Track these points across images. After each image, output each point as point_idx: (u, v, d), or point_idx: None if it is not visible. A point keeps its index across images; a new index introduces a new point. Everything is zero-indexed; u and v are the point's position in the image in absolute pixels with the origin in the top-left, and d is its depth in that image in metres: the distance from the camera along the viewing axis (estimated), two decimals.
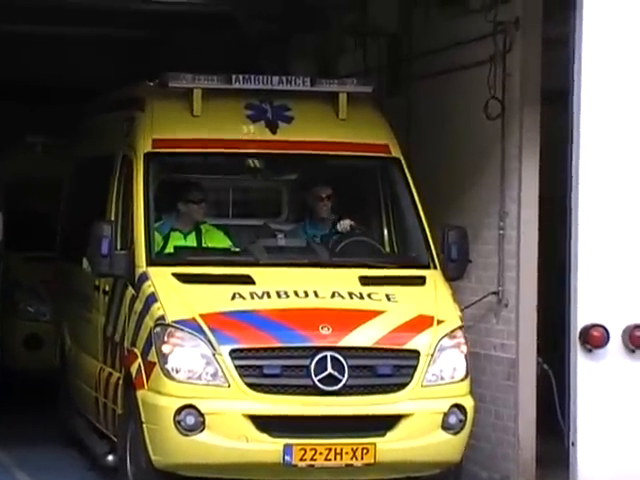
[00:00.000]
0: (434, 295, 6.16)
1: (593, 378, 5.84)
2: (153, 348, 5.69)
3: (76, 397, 7.89)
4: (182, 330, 5.62)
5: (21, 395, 9.21)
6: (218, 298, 5.84)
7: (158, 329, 5.69)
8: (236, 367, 5.48)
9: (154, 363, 5.65)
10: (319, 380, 5.50)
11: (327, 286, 6.03)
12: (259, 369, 5.53)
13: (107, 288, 6.80)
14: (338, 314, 5.86)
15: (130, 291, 6.24)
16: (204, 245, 6.52)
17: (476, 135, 7.14)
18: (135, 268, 6.12)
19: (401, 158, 6.74)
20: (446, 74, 7.46)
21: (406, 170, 6.71)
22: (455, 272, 6.34)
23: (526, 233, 6.75)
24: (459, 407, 5.81)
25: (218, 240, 6.56)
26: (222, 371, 5.49)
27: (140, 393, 5.75)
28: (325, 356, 5.53)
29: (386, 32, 8.32)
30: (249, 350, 5.57)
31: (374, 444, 5.54)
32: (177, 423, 5.43)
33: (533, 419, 6.79)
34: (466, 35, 7.12)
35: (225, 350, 5.50)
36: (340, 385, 5.53)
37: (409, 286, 6.23)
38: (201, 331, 5.58)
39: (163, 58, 10.55)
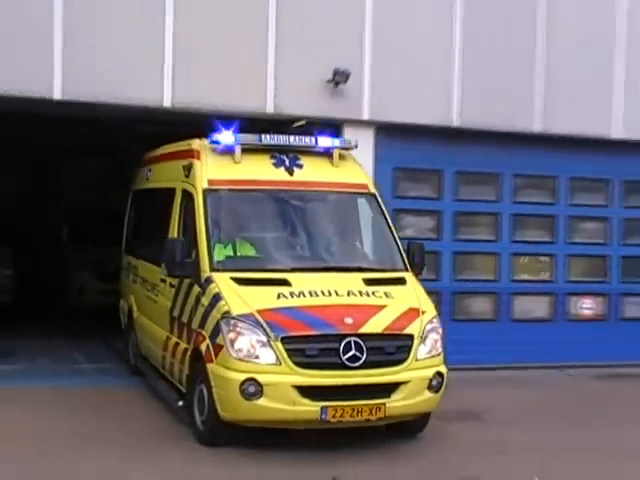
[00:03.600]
0: (415, 292, 8.31)
1: None
2: (220, 335, 7.55)
3: (143, 348, 10.39)
4: (244, 322, 7.48)
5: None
6: (267, 297, 7.71)
7: (225, 321, 7.55)
8: (286, 350, 7.36)
9: (221, 346, 7.51)
10: (345, 359, 7.43)
11: (342, 286, 7.98)
12: (302, 351, 7.42)
13: (173, 283, 8.80)
14: (355, 308, 7.81)
15: (196, 289, 8.14)
16: (238, 254, 8.40)
17: None
18: (201, 272, 8.04)
19: (376, 194, 9.10)
20: None
21: (381, 202, 9.06)
22: (417, 272, 8.63)
23: None
24: (439, 374, 7.96)
25: (247, 250, 8.46)
26: (275, 353, 7.37)
27: (210, 366, 7.63)
28: (350, 341, 7.47)
29: None
30: (295, 337, 7.44)
31: (384, 404, 7.55)
32: (242, 391, 7.31)
33: None
34: None
35: (278, 337, 7.37)
36: (360, 362, 7.46)
37: (397, 285, 8.30)
38: (258, 323, 7.46)
39: None
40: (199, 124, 9.11)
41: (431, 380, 7.85)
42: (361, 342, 7.46)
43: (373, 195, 9.08)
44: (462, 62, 11.61)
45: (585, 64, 12.14)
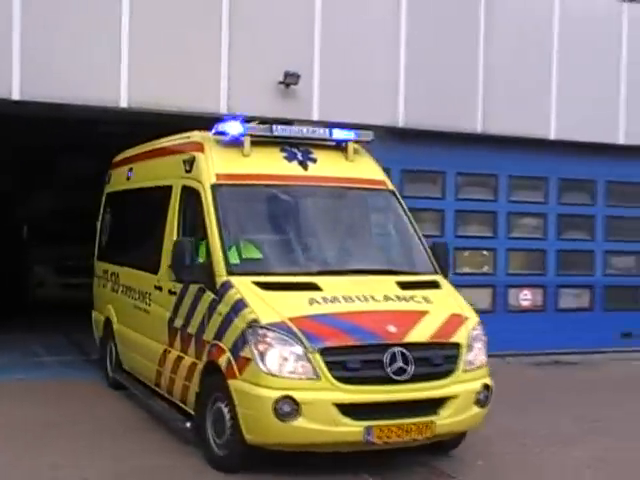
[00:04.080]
0: (453, 296, 7.54)
1: None
2: (247, 346, 6.58)
3: (126, 361, 9.48)
4: (275, 332, 6.55)
5: None
6: (298, 303, 6.81)
7: (252, 331, 6.59)
8: (325, 363, 6.44)
9: (248, 359, 6.55)
10: (391, 371, 6.56)
11: (377, 291, 7.14)
12: (343, 364, 6.50)
13: (174, 290, 7.85)
14: (397, 315, 6.96)
15: (209, 296, 7.19)
16: (255, 255, 7.44)
17: None
18: (215, 277, 7.09)
19: (395, 191, 8.38)
20: None
21: (401, 199, 8.33)
22: (445, 275, 7.89)
23: None
24: (486, 386, 7.12)
25: (264, 251, 7.51)
26: (313, 367, 6.44)
27: (233, 382, 6.66)
28: (395, 351, 6.61)
29: None
30: (335, 348, 6.54)
31: (433, 421, 6.70)
32: (275, 410, 6.35)
33: None
34: None
35: (316, 349, 6.46)
36: (407, 375, 6.60)
37: (432, 289, 7.48)
38: (292, 333, 6.53)
39: None
40: (166, 124, 9.22)
41: (478, 393, 7.03)
42: (407, 352, 6.62)
43: (392, 192, 8.36)
44: (407, 64, 12.05)
45: (524, 66, 12.71)
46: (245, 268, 7.20)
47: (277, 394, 6.38)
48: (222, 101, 10.98)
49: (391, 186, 8.41)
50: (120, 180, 10.44)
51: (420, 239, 8.13)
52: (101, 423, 8.35)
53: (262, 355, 6.50)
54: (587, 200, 13.86)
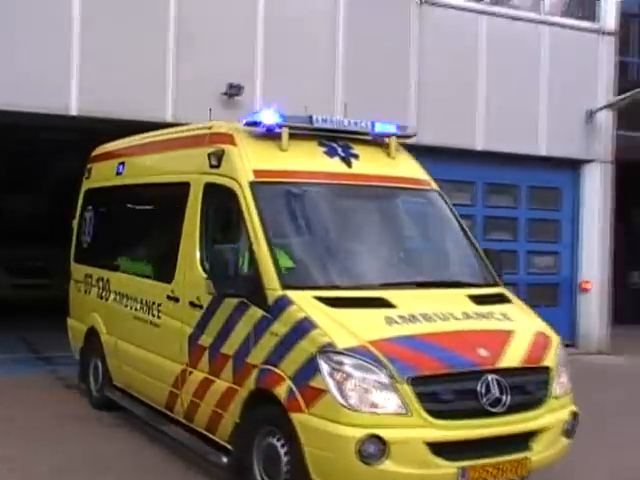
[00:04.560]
0: (526, 311, 6.70)
1: None
2: (319, 375, 5.54)
3: (120, 378, 8.48)
4: (356, 358, 5.52)
5: None
6: (374, 323, 5.81)
7: (325, 357, 5.55)
8: (416, 395, 5.46)
9: (321, 390, 5.52)
10: (487, 402, 5.64)
11: (453, 307, 6.20)
12: (436, 395, 5.55)
13: (197, 302, 6.78)
14: (483, 336, 6.05)
15: (255, 311, 6.13)
16: (295, 266, 6.37)
17: None
18: (265, 290, 6.04)
19: (441, 191, 7.50)
20: None
21: (449, 201, 7.48)
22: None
23: None
24: (574, 414, 6.29)
25: (304, 261, 6.51)
26: (402, 399, 5.45)
27: (298, 417, 5.63)
28: (489, 379, 5.68)
29: None
30: (427, 377, 5.55)
31: (528, 458, 5.84)
32: (358, 452, 5.35)
33: None
34: None
35: (405, 378, 5.47)
36: (503, 406, 5.69)
37: (504, 303, 6.64)
38: (376, 359, 5.51)
39: None
40: (110, 131, 9.50)
41: (567, 423, 6.19)
42: (502, 380, 5.71)
43: (439, 193, 7.51)
44: (345, 79, 12.47)
45: (453, 82, 13.41)
46: (301, 280, 6.19)
47: (361, 433, 5.37)
48: (168, 110, 11.37)
49: (436, 186, 7.57)
50: (105, 175, 9.35)
51: (474, 245, 7.30)
52: (51, 416, 8.53)
53: (340, 386, 5.47)
54: (511, 203, 14.58)
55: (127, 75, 11.01)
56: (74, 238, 9.98)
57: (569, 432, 6.23)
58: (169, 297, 7.35)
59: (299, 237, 6.67)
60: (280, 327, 5.92)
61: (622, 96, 14.49)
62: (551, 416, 6.04)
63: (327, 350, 5.57)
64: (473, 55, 13.71)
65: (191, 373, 6.96)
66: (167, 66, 11.37)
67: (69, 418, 8.54)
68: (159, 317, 7.56)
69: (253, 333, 6.17)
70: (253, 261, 6.25)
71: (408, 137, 7.58)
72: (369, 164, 7.15)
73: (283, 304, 5.96)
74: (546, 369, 6.10)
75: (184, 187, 7.34)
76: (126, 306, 8.26)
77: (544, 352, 6.19)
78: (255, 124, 6.86)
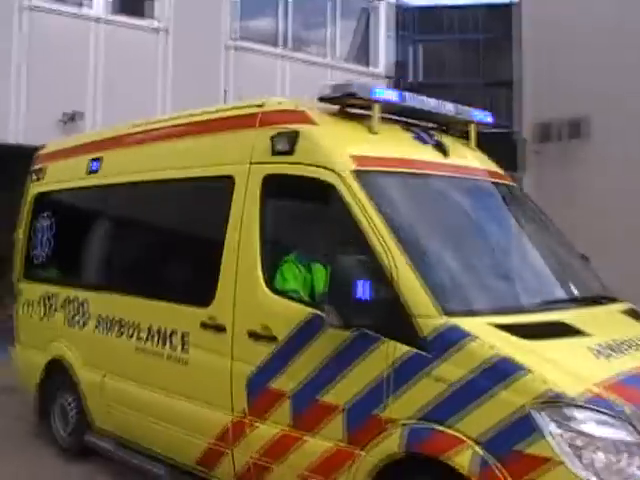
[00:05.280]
0: None
1: None
2: (543, 437, 4.03)
3: (116, 422, 6.69)
4: (595, 411, 4.07)
5: None
6: (585, 359, 4.42)
7: (550, 412, 4.07)
8: None
9: (546, 459, 4.00)
10: None
11: (627, 329, 5.04)
12: None
13: (263, 332, 5.22)
14: None
15: (396, 348, 4.57)
16: (442, 283, 4.82)
17: None
18: (414, 318, 4.50)
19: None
20: None
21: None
22: None
23: None
24: None
25: (447, 277, 4.96)
26: None
27: None
28: None
29: None
30: None
31: None
32: None
33: None
34: None
35: None
36: None
37: None
38: (618, 410, 4.09)
39: None
40: None
41: None
42: None
43: (521, 189, 6.41)
44: (173, 103, 13.99)
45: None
46: (463, 303, 4.75)
47: None
48: (19, 135, 12.86)
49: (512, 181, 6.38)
50: (71, 175, 7.61)
51: (574, 250, 6.10)
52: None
53: (579, 451, 3.99)
54: None
55: None
56: (19, 251, 8.17)
57: None
58: (205, 325, 5.66)
59: (435, 244, 5.12)
60: (450, 369, 4.36)
61: None
62: None
63: (551, 401, 4.09)
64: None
65: (251, 425, 5.35)
66: (12, 96, 12.88)
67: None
68: (187, 351, 5.85)
69: (390, 377, 4.60)
70: (384, 279, 4.64)
71: (487, 125, 6.28)
72: (459, 155, 5.86)
73: (453, 337, 4.41)
74: None
75: (222, 182, 5.70)
76: (120, 335, 6.52)
77: None
78: (348, 96, 5.31)
